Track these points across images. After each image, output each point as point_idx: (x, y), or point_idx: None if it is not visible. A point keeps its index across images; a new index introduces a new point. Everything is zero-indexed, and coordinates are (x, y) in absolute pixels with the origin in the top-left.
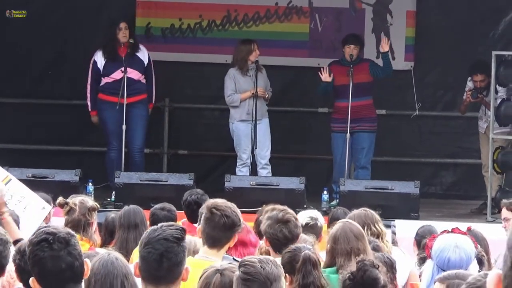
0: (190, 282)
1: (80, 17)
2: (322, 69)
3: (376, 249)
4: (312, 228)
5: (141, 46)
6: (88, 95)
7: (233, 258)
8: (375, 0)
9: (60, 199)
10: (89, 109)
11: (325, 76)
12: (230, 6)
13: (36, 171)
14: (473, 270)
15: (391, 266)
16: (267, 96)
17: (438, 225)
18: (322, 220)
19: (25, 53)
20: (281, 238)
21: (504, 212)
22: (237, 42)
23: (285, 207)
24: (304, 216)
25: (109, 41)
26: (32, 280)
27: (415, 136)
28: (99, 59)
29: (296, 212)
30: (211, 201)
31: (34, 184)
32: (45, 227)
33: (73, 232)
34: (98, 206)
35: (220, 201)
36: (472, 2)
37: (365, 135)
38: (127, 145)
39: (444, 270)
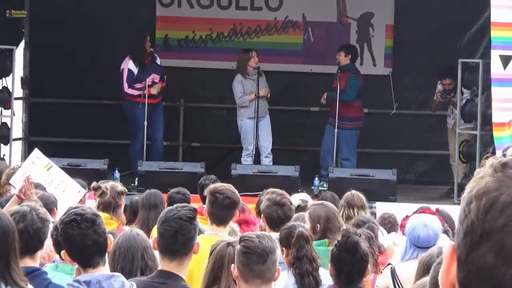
0: (201, 254)
1: (110, 29)
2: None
3: (371, 228)
4: (303, 209)
5: (155, 54)
6: (133, 91)
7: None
8: (359, 16)
9: (94, 184)
10: (141, 91)
11: (322, 99)
12: (236, 21)
13: (71, 161)
14: (445, 243)
15: (372, 239)
16: (268, 96)
17: (413, 207)
18: (311, 202)
19: (62, 59)
20: (276, 218)
21: None
22: (239, 51)
23: (283, 192)
24: (296, 199)
25: (137, 51)
26: (63, 253)
27: (393, 131)
28: (132, 67)
29: (290, 195)
30: (212, 186)
31: (69, 172)
32: (74, 208)
33: (98, 213)
34: (127, 190)
35: (219, 185)
36: (442, 17)
37: (346, 132)
38: (150, 137)
39: (415, 245)
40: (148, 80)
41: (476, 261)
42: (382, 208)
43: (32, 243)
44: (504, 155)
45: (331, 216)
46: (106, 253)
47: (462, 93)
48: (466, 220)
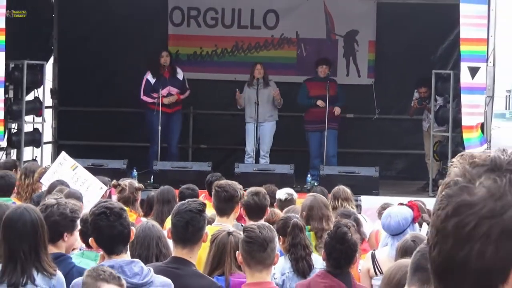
0: (208, 243)
1: (128, 46)
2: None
3: (356, 220)
4: (290, 202)
5: (178, 70)
6: (147, 98)
7: (241, 225)
8: (345, 33)
9: (114, 182)
10: (154, 99)
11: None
12: (238, 38)
13: (94, 161)
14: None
15: (358, 226)
16: (279, 101)
17: (393, 200)
18: (295, 195)
19: (86, 73)
20: (252, 204)
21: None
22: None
23: (257, 188)
24: (283, 193)
25: (153, 65)
26: (91, 240)
27: (375, 133)
28: (150, 78)
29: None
30: (217, 182)
31: (93, 171)
32: (104, 201)
33: (125, 208)
34: (143, 187)
35: (223, 181)
36: (417, 33)
37: (331, 132)
38: (168, 141)
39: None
40: (164, 91)
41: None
42: (366, 201)
43: (54, 234)
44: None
45: (314, 206)
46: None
47: (435, 100)
48: (435, 203)
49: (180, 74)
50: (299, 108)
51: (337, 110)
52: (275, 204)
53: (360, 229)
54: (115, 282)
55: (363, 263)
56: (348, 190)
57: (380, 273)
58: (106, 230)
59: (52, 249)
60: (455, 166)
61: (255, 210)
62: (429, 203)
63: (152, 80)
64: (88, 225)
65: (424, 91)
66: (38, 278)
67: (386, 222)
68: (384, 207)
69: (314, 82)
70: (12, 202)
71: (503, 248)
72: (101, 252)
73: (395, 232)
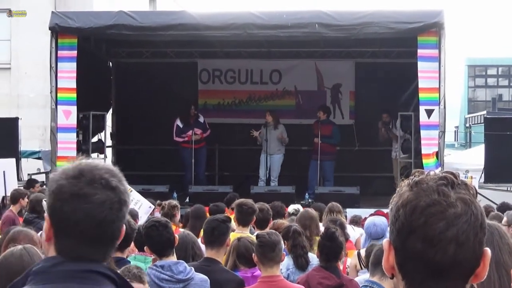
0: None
1: (169, 99)
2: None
3: (341, 224)
4: (296, 214)
5: (200, 115)
6: (178, 138)
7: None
8: (332, 85)
9: (158, 202)
10: (184, 138)
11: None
12: (251, 91)
13: (144, 186)
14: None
15: (343, 231)
16: (284, 140)
17: (371, 211)
18: (301, 210)
19: (137, 120)
20: (259, 218)
21: None
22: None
23: (263, 205)
24: (292, 208)
25: (184, 114)
26: (146, 248)
27: (356, 161)
28: (179, 123)
29: (288, 205)
30: (238, 201)
31: (143, 193)
32: (153, 217)
33: (169, 221)
34: (179, 205)
35: (244, 200)
36: (386, 84)
37: (326, 163)
38: (196, 170)
39: (370, 237)
40: (190, 132)
41: (410, 248)
42: (351, 212)
43: (122, 244)
44: (417, 176)
45: (306, 216)
46: (174, 247)
47: (401, 134)
48: (398, 222)
49: (201, 118)
50: (298, 143)
51: (315, 140)
52: (285, 215)
53: (344, 231)
54: (137, 280)
55: (351, 261)
56: (339, 205)
57: (364, 267)
58: (156, 237)
59: (118, 254)
60: (415, 191)
61: (261, 222)
62: None
63: (181, 125)
64: (142, 236)
65: (385, 116)
66: None
67: (373, 229)
68: (353, 219)
69: (317, 123)
70: None
71: None
72: (153, 256)
73: (380, 236)
